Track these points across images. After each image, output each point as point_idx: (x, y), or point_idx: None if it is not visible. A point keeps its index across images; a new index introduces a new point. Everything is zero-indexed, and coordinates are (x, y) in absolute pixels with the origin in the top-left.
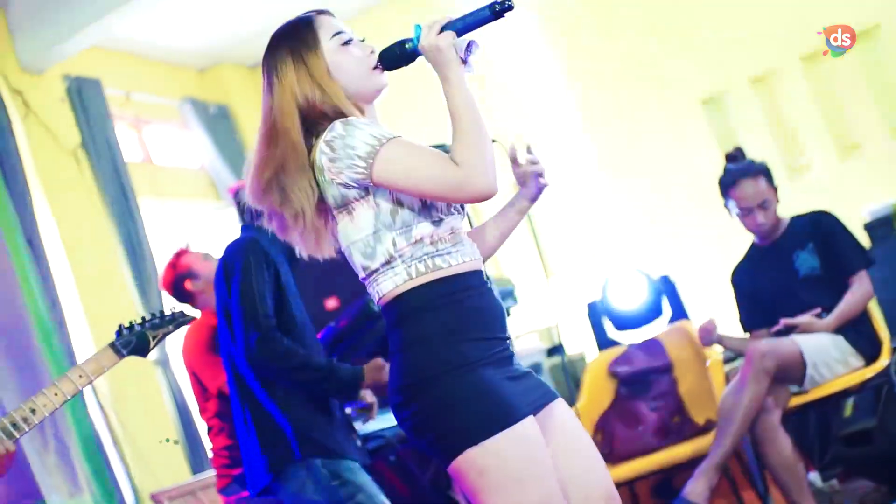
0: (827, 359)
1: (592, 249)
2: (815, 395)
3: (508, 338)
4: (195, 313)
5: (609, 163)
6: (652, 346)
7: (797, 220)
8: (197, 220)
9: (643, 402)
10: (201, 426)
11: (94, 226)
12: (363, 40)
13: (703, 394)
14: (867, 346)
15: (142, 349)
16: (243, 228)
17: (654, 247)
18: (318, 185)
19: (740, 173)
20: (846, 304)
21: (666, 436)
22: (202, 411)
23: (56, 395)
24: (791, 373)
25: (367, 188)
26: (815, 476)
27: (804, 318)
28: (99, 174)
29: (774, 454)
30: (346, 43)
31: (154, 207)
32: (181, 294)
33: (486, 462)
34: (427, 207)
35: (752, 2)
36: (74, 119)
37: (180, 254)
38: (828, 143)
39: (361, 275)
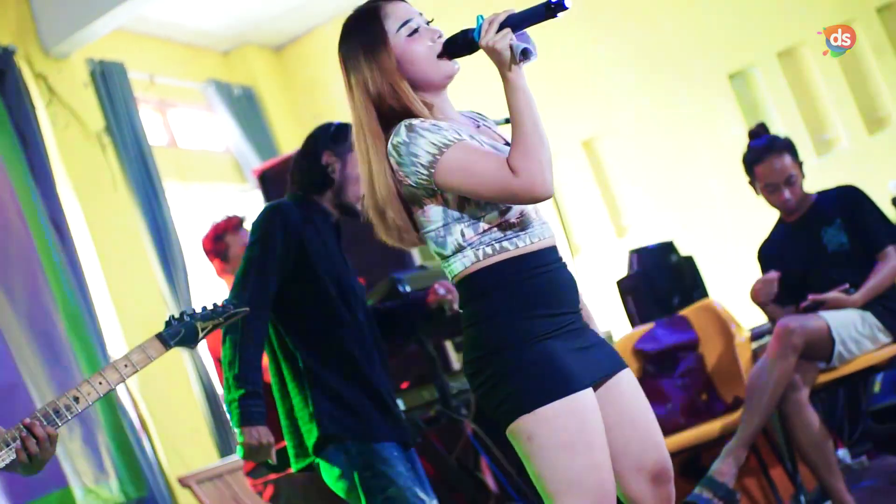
0: (855, 335)
1: (618, 227)
2: (843, 371)
3: (576, 311)
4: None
5: (635, 139)
6: (678, 323)
7: (824, 196)
8: (223, 203)
9: (670, 379)
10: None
11: (120, 210)
12: (430, 21)
13: (731, 371)
14: (895, 321)
15: (190, 340)
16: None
17: (681, 223)
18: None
19: (765, 150)
20: (875, 280)
21: (694, 414)
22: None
23: (101, 383)
24: (819, 349)
25: (434, 189)
26: (844, 453)
27: (832, 295)
28: (124, 158)
29: (803, 432)
30: (414, 32)
31: (179, 191)
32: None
33: (535, 429)
34: None
35: None
36: (98, 103)
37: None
38: (855, 117)
39: (439, 259)
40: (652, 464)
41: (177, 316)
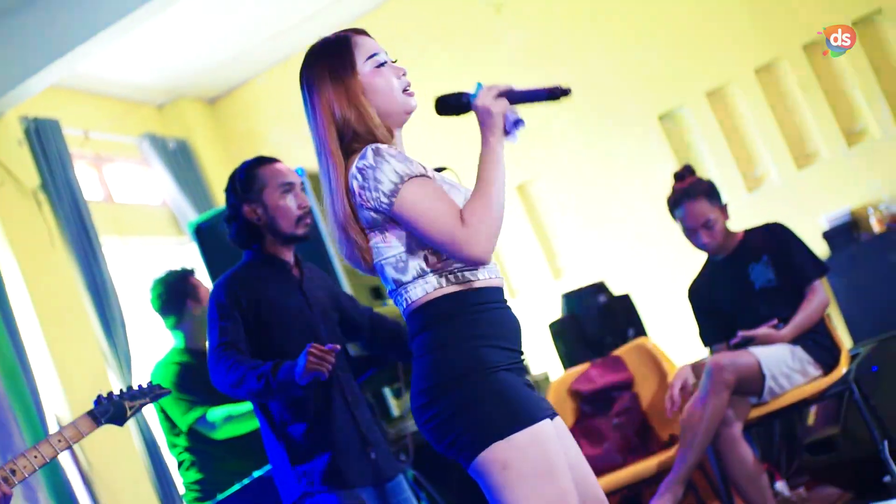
0: (785, 370)
1: (555, 269)
2: (777, 405)
3: (523, 352)
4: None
5: (569, 181)
6: (613, 363)
7: (751, 233)
8: (160, 257)
9: (606, 419)
10: (171, 462)
11: (57, 266)
12: (395, 61)
13: (665, 409)
14: (825, 355)
15: (119, 418)
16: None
17: (617, 263)
18: (350, 204)
19: (682, 195)
20: (803, 314)
21: (630, 452)
22: (171, 447)
23: (36, 457)
24: (750, 385)
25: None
26: (782, 485)
27: (762, 330)
28: (60, 215)
29: (737, 466)
30: (381, 65)
31: (117, 246)
32: (176, 303)
33: (509, 456)
34: None
35: (704, 17)
36: (34, 160)
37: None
38: (784, 153)
39: (391, 286)
40: (593, 500)
41: (105, 395)
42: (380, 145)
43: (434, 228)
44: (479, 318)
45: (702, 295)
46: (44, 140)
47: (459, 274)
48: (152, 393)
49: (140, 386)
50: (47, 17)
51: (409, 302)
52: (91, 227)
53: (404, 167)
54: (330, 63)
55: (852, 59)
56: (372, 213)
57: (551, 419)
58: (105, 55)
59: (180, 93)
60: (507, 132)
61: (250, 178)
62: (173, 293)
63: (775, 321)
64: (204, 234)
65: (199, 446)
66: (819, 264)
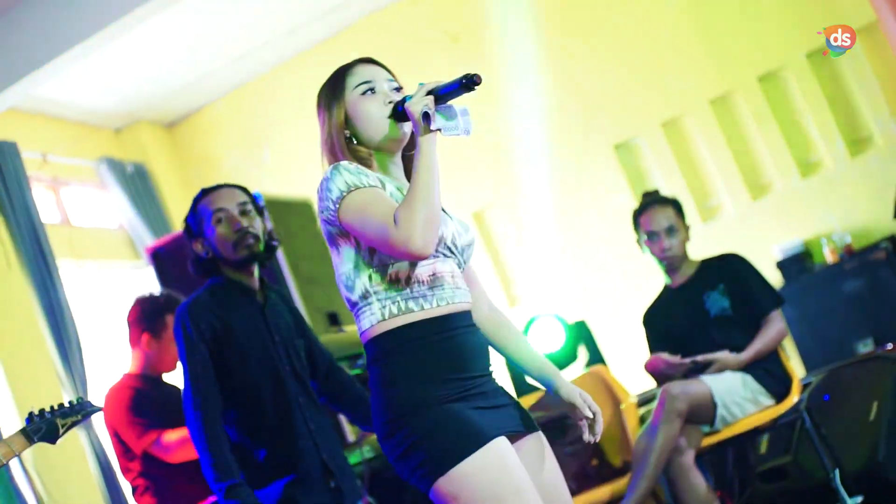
0: (737, 399)
1: (510, 297)
2: (730, 432)
3: (486, 374)
4: (99, 402)
5: (525, 209)
6: None
7: (707, 263)
8: (116, 281)
9: (560, 446)
10: (125, 487)
11: (13, 289)
12: (399, 89)
13: (619, 436)
14: (776, 384)
15: (51, 436)
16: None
17: (572, 290)
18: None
19: (650, 201)
20: (762, 341)
21: (584, 479)
22: (126, 471)
23: None
24: (702, 413)
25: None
26: None
27: (721, 354)
28: (17, 237)
29: (689, 494)
30: (368, 92)
31: (73, 269)
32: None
33: (455, 489)
34: None
35: (660, 49)
36: None
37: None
38: (739, 184)
39: (348, 306)
40: None
41: (37, 412)
42: (342, 162)
43: (370, 229)
44: (424, 353)
45: (657, 321)
46: (1, 162)
47: (403, 303)
48: (83, 410)
49: (71, 403)
50: (5, 39)
51: (361, 330)
52: (48, 249)
53: (355, 179)
54: (326, 89)
55: (805, 92)
56: (327, 226)
57: (517, 437)
58: (63, 79)
59: (138, 117)
60: (428, 128)
61: (195, 213)
62: (155, 312)
63: (726, 352)
64: (161, 259)
65: (154, 471)
66: (775, 295)
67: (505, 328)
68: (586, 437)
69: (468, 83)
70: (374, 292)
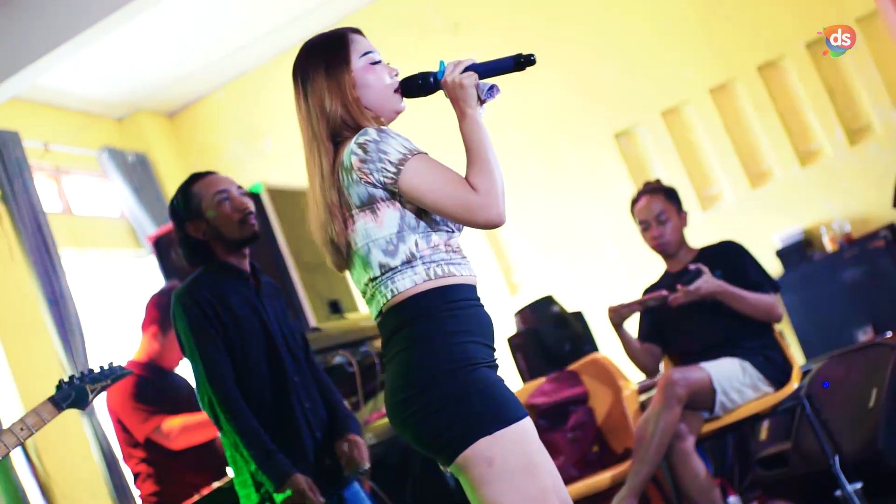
0: (736, 385)
1: (511, 285)
2: (730, 419)
3: (496, 350)
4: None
5: (525, 198)
6: (568, 377)
7: (705, 250)
8: (118, 270)
9: (561, 433)
10: (129, 473)
11: (16, 278)
12: (388, 63)
13: (620, 423)
14: (776, 371)
15: (81, 402)
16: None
17: (572, 279)
18: (339, 186)
19: (643, 191)
20: (751, 295)
21: (585, 466)
22: (128, 458)
23: None
24: (702, 399)
25: (394, 191)
26: (735, 500)
27: (696, 284)
28: (19, 226)
29: (690, 480)
30: (374, 63)
31: (75, 258)
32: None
33: (495, 452)
34: (444, 220)
35: (660, 37)
36: None
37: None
38: (739, 172)
39: (375, 273)
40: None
41: (66, 379)
42: (382, 127)
43: (446, 196)
44: (462, 314)
45: (655, 313)
46: (3, 152)
47: (446, 267)
48: (113, 374)
49: (102, 367)
50: (8, 29)
51: (395, 292)
52: (50, 238)
53: (409, 144)
54: (325, 57)
55: (805, 80)
56: (370, 188)
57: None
58: (66, 68)
59: (139, 106)
60: (482, 101)
61: (187, 197)
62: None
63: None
64: (162, 247)
65: (156, 458)
66: (771, 281)
67: None
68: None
69: (523, 62)
70: (420, 256)
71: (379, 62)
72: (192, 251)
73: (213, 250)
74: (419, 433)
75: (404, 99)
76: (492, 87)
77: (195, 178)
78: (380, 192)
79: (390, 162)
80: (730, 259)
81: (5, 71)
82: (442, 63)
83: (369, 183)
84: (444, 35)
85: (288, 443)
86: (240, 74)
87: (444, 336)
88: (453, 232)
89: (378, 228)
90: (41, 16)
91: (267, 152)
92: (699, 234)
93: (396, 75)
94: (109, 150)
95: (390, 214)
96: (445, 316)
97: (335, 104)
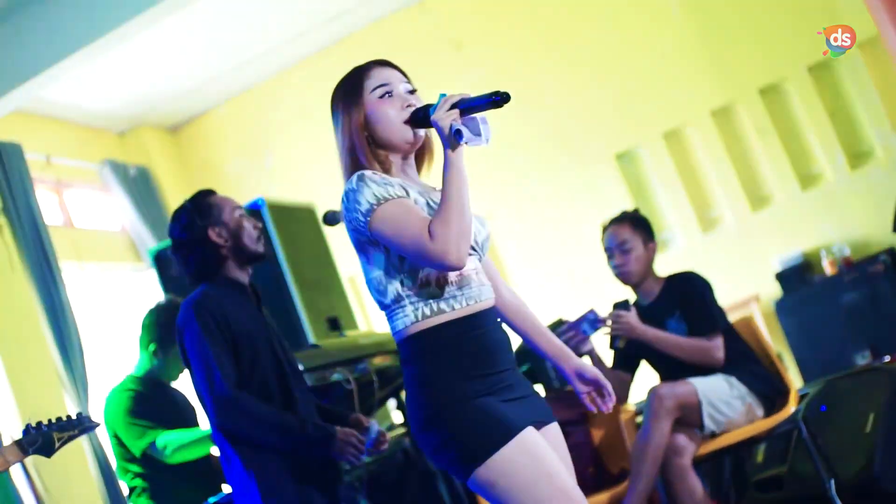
0: (723, 396)
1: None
2: (726, 441)
3: (511, 368)
4: (99, 411)
5: (526, 217)
6: (567, 398)
7: (669, 283)
8: (118, 283)
9: None
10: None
11: (16, 290)
12: (413, 91)
13: (617, 444)
14: (764, 387)
15: (47, 449)
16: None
17: (571, 300)
18: None
19: (613, 219)
20: (680, 339)
21: (582, 487)
22: (124, 472)
23: None
24: (691, 413)
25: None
26: None
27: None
28: (20, 239)
29: (686, 496)
30: (385, 95)
31: (75, 271)
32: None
33: (493, 476)
34: None
35: (662, 59)
36: None
37: None
38: (739, 195)
39: (379, 307)
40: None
41: (34, 424)
42: (366, 171)
43: (405, 244)
44: (456, 351)
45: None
46: (6, 164)
47: (435, 305)
48: (81, 425)
49: (69, 417)
50: (12, 41)
51: (394, 331)
52: (51, 251)
53: (382, 190)
54: (343, 91)
55: (807, 104)
56: (356, 234)
57: (542, 426)
58: (68, 81)
59: (142, 120)
60: (457, 143)
61: (205, 206)
62: (171, 324)
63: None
64: (163, 262)
65: (152, 473)
66: (713, 325)
67: (524, 313)
68: (593, 406)
69: (499, 101)
70: (407, 296)
71: (390, 94)
72: (205, 260)
73: (225, 264)
74: (437, 462)
75: (420, 130)
76: (458, 132)
77: (207, 192)
78: (364, 237)
79: (361, 212)
80: (686, 297)
81: (8, 83)
82: (441, 96)
83: (352, 229)
84: (447, 54)
85: (298, 464)
86: (243, 90)
87: (436, 378)
88: None
89: (370, 269)
90: (45, 29)
91: (268, 168)
92: (699, 256)
93: (410, 106)
94: (111, 163)
95: (377, 256)
96: (436, 357)
97: (347, 142)
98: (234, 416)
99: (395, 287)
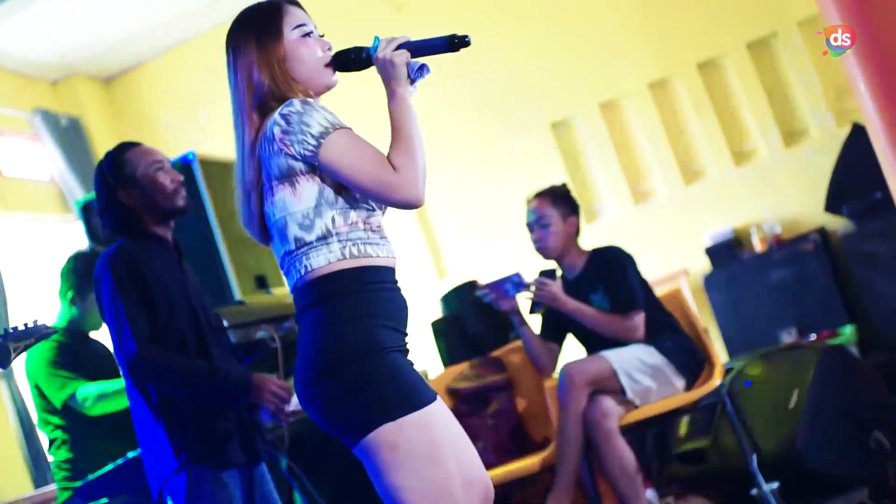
0: (640, 366)
1: (440, 269)
2: (650, 412)
3: (408, 335)
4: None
5: (458, 181)
6: (491, 364)
7: (593, 257)
8: (45, 234)
9: (481, 418)
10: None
11: None
12: (323, 36)
13: (541, 412)
14: (686, 359)
15: (2, 360)
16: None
17: (502, 265)
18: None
19: (536, 193)
20: (602, 315)
21: (504, 453)
22: (44, 424)
23: None
24: (608, 384)
25: (314, 165)
26: (651, 493)
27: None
28: None
29: (614, 460)
30: (307, 35)
31: (2, 220)
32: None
33: (399, 437)
34: (364, 197)
35: (601, 30)
36: None
37: None
38: (673, 168)
39: (291, 247)
40: (478, 479)
41: None
42: (308, 99)
43: (364, 173)
44: (375, 297)
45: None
46: None
47: (363, 246)
48: (38, 333)
49: (26, 325)
50: None
51: (309, 269)
52: None
53: (332, 118)
54: (257, 27)
55: (744, 81)
56: (290, 160)
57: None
58: (1, 28)
59: (75, 70)
60: (412, 81)
61: (120, 163)
62: (88, 272)
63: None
64: (90, 213)
65: (73, 425)
66: (634, 302)
67: None
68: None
69: (457, 44)
70: (337, 233)
71: (311, 34)
72: (120, 220)
73: (141, 220)
74: (324, 414)
75: (336, 73)
76: (422, 67)
77: (127, 146)
78: (299, 165)
79: (311, 135)
80: (608, 271)
81: None
82: (376, 39)
83: (290, 155)
84: (387, 15)
85: (209, 414)
86: (179, 43)
87: (354, 319)
88: (374, 210)
89: (295, 202)
90: None
91: (203, 124)
92: (631, 228)
93: (330, 49)
94: (42, 112)
95: (309, 188)
96: (357, 298)
97: (263, 76)
98: (144, 371)
99: (323, 223)
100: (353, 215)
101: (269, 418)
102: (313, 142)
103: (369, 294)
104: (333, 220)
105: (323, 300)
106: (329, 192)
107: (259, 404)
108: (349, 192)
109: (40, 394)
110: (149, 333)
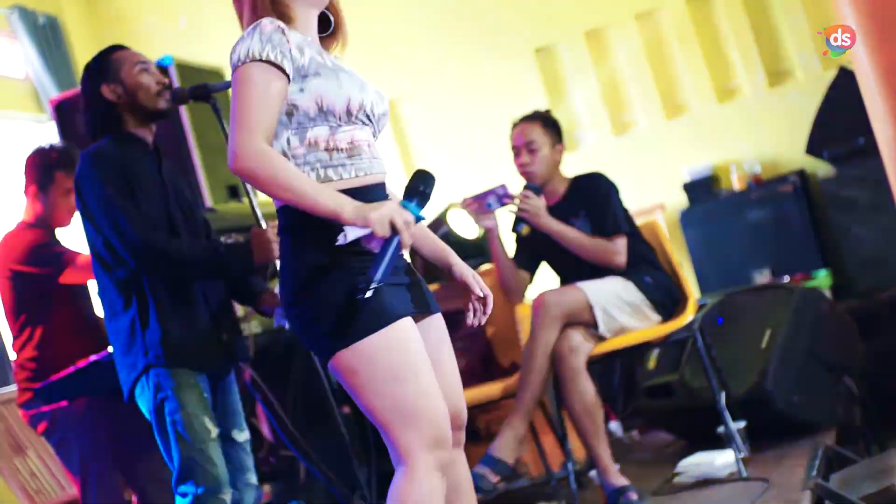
0: (616, 302)
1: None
2: (619, 343)
3: None
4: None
5: (439, 104)
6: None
7: (574, 183)
8: (17, 133)
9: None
10: (7, 338)
11: None
12: None
13: (510, 337)
14: (662, 296)
15: None
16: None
17: (478, 187)
18: None
19: (522, 117)
20: (584, 236)
21: (472, 376)
22: (11, 321)
23: None
24: (581, 317)
25: None
26: (616, 426)
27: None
28: None
29: (576, 397)
30: None
31: None
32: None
33: (356, 363)
34: (323, 113)
35: None
36: None
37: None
38: (655, 101)
39: None
40: (451, 406)
41: None
42: (264, 20)
43: (235, 112)
44: (332, 224)
45: (533, 234)
46: None
47: (321, 171)
48: None
49: None
50: None
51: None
52: None
53: (260, 47)
54: None
55: (732, 17)
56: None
57: (423, 317)
58: None
59: None
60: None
61: (105, 62)
62: (49, 166)
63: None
64: (64, 112)
65: (38, 323)
66: (617, 227)
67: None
68: (470, 320)
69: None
70: (293, 156)
71: None
72: (101, 117)
73: (123, 120)
74: (301, 337)
75: None
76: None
77: (115, 47)
78: None
79: (231, 60)
80: (591, 197)
81: None
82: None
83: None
84: None
85: (184, 315)
86: None
87: (310, 248)
88: (338, 126)
89: None
90: None
91: (182, 28)
92: (609, 158)
93: None
94: (20, 9)
95: None
96: (311, 226)
97: None
98: (155, 256)
99: (280, 144)
100: (310, 135)
101: (281, 321)
102: (231, 67)
103: (328, 222)
104: (289, 142)
105: (286, 229)
106: (282, 114)
107: (269, 258)
108: (301, 112)
109: (9, 288)
110: (142, 222)
